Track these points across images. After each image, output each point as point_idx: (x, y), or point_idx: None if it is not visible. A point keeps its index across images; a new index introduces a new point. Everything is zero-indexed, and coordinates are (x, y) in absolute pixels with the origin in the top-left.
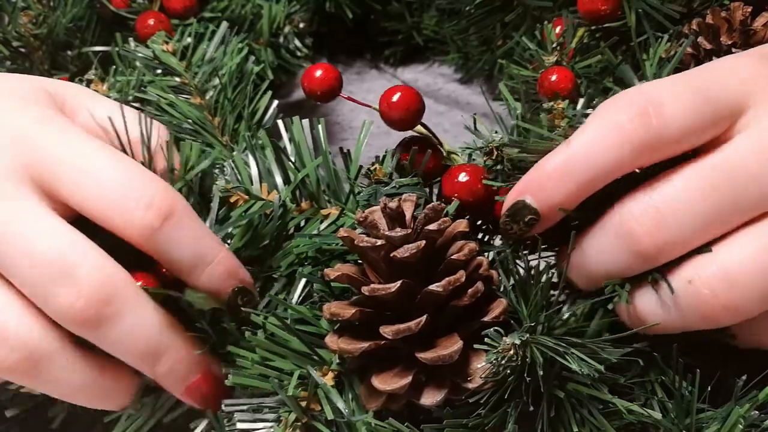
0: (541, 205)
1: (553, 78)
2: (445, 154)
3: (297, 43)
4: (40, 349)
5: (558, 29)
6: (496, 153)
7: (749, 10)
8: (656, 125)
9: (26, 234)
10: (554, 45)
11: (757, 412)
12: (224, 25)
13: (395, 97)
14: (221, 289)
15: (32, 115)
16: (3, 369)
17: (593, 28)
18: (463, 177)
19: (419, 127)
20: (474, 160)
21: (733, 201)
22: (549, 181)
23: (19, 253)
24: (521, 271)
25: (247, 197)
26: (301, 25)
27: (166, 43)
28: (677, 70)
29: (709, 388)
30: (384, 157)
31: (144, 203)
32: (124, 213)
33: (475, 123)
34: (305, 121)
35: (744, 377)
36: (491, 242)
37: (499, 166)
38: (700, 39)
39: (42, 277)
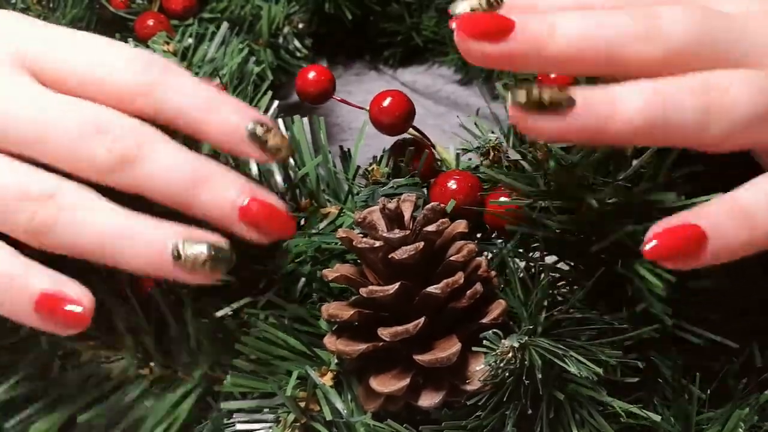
0: None
1: (552, 77)
2: (437, 156)
3: (296, 43)
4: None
5: None
6: (492, 153)
7: None
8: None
9: (49, 109)
10: None
11: (757, 417)
12: (224, 25)
13: (385, 102)
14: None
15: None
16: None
17: None
18: (452, 184)
19: (411, 131)
20: (470, 160)
21: None
22: None
23: (49, 129)
24: (521, 271)
25: None
26: (301, 26)
27: (167, 43)
28: None
29: (708, 391)
30: (381, 157)
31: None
32: (116, 74)
33: (476, 124)
34: (305, 120)
35: (744, 379)
36: (492, 242)
37: (495, 166)
38: None
39: (77, 141)
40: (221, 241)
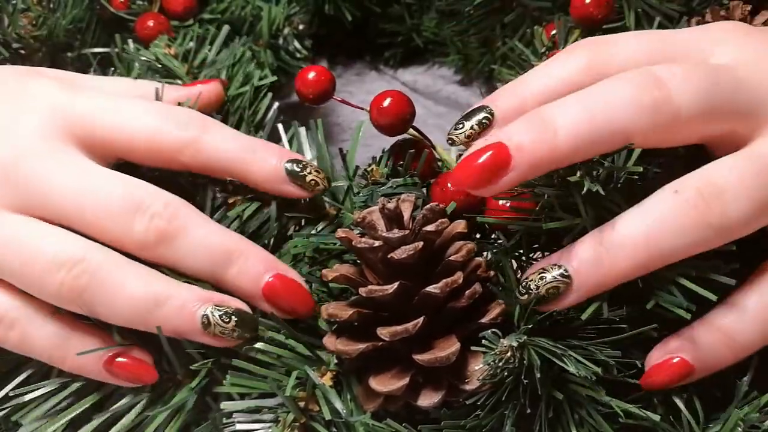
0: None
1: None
2: (437, 156)
3: (296, 44)
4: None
5: (553, 32)
6: None
7: (748, 8)
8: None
9: (92, 183)
10: (543, 49)
11: (757, 414)
12: (226, 28)
13: (385, 103)
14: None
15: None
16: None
17: (589, 30)
18: (452, 185)
19: (411, 131)
20: None
21: None
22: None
23: (88, 202)
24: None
25: (244, 198)
26: (301, 27)
27: (169, 47)
28: None
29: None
30: (381, 158)
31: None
32: (160, 134)
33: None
34: (302, 129)
35: (745, 378)
36: (491, 241)
37: None
38: None
39: (116, 217)
40: (246, 307)
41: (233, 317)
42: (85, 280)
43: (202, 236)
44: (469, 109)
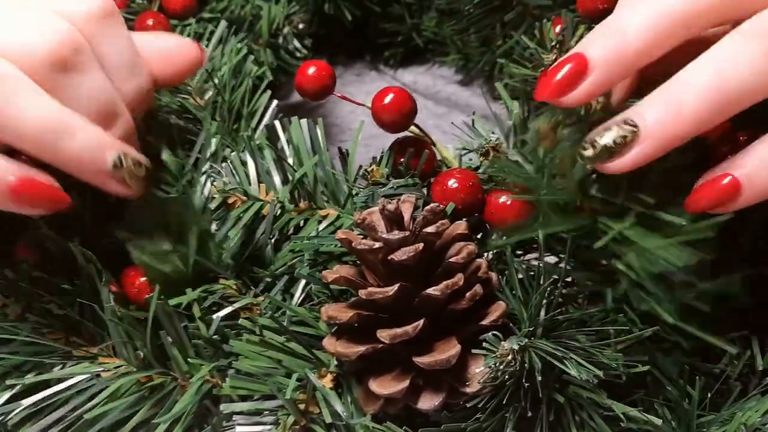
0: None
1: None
2: (438, 156)
3: (296, 43)
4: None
5: (558, 28)
6: (492, 153)
7: None
8: None
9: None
10: (553, 43)
11: (760, 417)
12: (223, 24)
13: (387, 99)
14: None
15: None
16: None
17: (593, 26)
18: (452, 183)
19: (413, 128)
20: (471, 160)
21: None
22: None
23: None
24: (520, 272)
25: (245, 198)
26: (301, 26)
27: None
28: None
29: (710, 394)
30: (381, 158)
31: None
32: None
33: (473, 122)
34: (303, 121)
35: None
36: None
37: (495, 166)
38: None
39: (20, 32)
40: (145, 159)
41: (143, 166)
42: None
43: (101, 84)
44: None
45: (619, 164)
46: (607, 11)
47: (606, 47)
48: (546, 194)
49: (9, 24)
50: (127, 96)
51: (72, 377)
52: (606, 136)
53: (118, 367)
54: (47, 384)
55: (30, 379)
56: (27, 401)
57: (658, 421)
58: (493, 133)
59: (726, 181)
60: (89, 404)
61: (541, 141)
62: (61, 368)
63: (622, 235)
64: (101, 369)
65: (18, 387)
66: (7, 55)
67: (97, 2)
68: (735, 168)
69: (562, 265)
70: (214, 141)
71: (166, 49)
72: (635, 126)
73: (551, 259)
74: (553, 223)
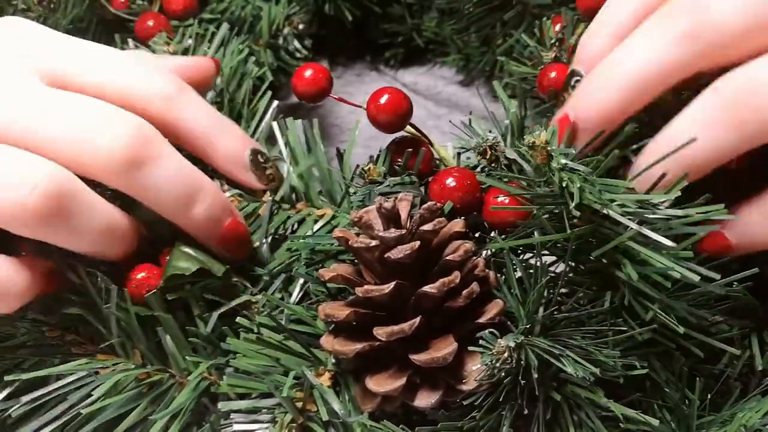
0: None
1: (552, 75)
2: (435, 155)
3: (296, 44)
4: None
5: (557, 26)
6: (489, 152)
7: None
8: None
9: (57, 100)
10: (553, 41)
11: (760, 418)
12: (224, 26)
13: (382, 100)
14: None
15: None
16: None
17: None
18: (450, 182)
19: (409, 128)
20: (469, 159)
21: None
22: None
23: (56, 115)
24: (518, 270)
25: (241, 198)
26: (301, 27)
27: (167, 44)
28: None
29: (709, 396)
30: (378, 156)
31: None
32: (138, 85)
33: (470, 121)
34: (299, 122)
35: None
36: (487, 241)
37: (493, 165)
38: None
39: (82, 133)
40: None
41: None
42: (56, 201)
43: (176, 166)
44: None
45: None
46: None
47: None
48: (540, 203)
49: (74, 131)
50: (224, 150)
51: (71, 374)
52: None
53: (117, 363)
54: (46, 381)
55: (28, 375)
56: (26, 398)
57: (655, 422)
58: (490, 132)
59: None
60: (87, 401)
61: (534, 155)
62: (60, 365)
63: (621, 244)
64: (100, 366)
65: (17, 384)
66: (78, 167)
67: (170, 81)
68: (726, 227)
69: (561, 266)
70: None
71: (184, 64)
72: None
73: (550, 258)
74: (548, 231)
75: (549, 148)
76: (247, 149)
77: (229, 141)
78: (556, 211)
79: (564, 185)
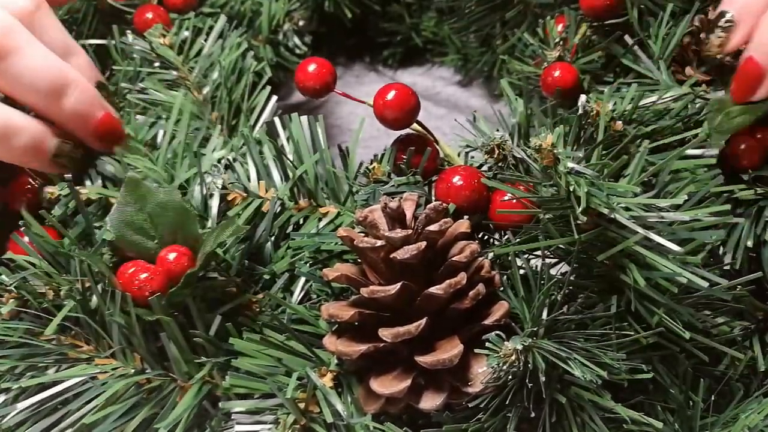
0: None
1: (557, 74)
2: (441, 154)
3: (296, 40)
4: None
5: (560, 26)
6: (497, 151)
7: None
8: None
9: None
10: (557, 41)
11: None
12: (222, 18)
13: (390, 95)
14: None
15: None
16: None
17: (595, 24)
18: (457, 180)
19: (415, 125)
20: (473, 158)
21: None
22: None
23: None
24: (524, 272)
25: (244, 195)
26: (301, 23)
27: (164, 36)
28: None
29: (713, 397)
30: (382, 155)
31: None
32: None
33: (474, 119)
34: (303, 118)
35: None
36: (492, 242)
37: (500, 164)
38: (702, 35)
39: None
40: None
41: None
42: None
43: (42, 56)
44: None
45: None
46: (611, 6)
47: None
48: (546, 207)
49: None
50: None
51: (68, 380)
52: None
53: (116, 368)
54: (42, 387)
55: (25, 382)
56: (22, 405)
57: (659, 425)
58: (497, 130)
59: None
60: (86, 408)
61: (541, 158)
62: (57, 370)
63: (627, 248)
64: (98, 371)
65: (14, 390)
66: None
67: None
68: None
69: (564, 267)
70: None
71: None
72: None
73: (554, 260)
74: (553, 234)
75: (555, 151)
76: (93, 79)
77: (80, 66)
78: (563, 213)
79: (571, 189)
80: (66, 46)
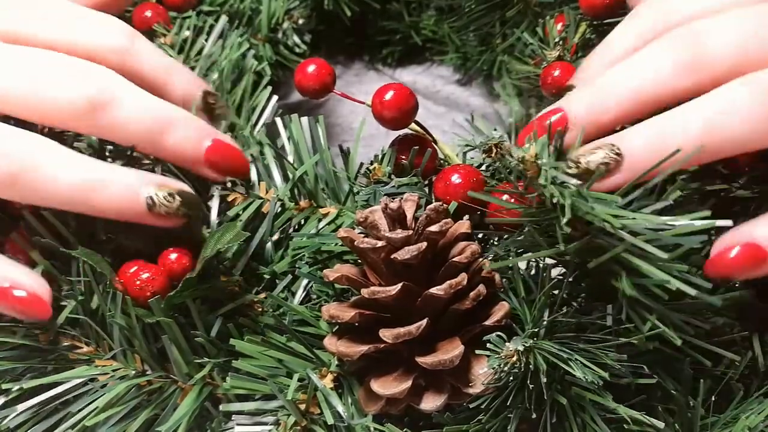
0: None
1: (556, 73)
2: (440, 153)
3: (296, 39)
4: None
5: (560, 25)
6: (495, 150)
7: None
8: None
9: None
10: (556, 40)
11: (764, 419)
12: (223, 18)
13: (388, 96)
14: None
15: None
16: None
17: (595, 23)
18: (456, 179)
19: (413, 125)
20: (472, 158)
21: None
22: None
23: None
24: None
25: (245, 195)
26: (300, 21)
27: (165, 35)
28: None
29: (713, 397)
30: (383, 155)
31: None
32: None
33: (472, 119)
34: (304, 119)
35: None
36: (492, 243)
37: (498, 164)
38: None
39: (40, 84)
40: (187, 187)
41: (177, 196)
42: (16, 169)
43: (140, 102)
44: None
45: (598, 187)
46: (611, 6)
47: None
48: (532, 221)
49: (30, 83)
50: (179, 88)
51: (68, 381)
52: (591, 158)
53: (116, 370)
54: (42, 388)
55: (25, 383)
56: (22, 406)
57: (661, 425)
58: (495, 130)
59: (750, 245)
60: (87, 410)
61: (525, 169)
62: (57, 372)
63: (616, 255)
64: (98, 373)
65: (14, 392)
66: (40, 117)
67: (121, 31)
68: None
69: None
70: None
71: None
72: (619, 155)
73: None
74: (541, 244)
75: (539, 162)
76: (199, 89)
77: (184, 82)
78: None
79: (555, 201)
80: (166, 68)
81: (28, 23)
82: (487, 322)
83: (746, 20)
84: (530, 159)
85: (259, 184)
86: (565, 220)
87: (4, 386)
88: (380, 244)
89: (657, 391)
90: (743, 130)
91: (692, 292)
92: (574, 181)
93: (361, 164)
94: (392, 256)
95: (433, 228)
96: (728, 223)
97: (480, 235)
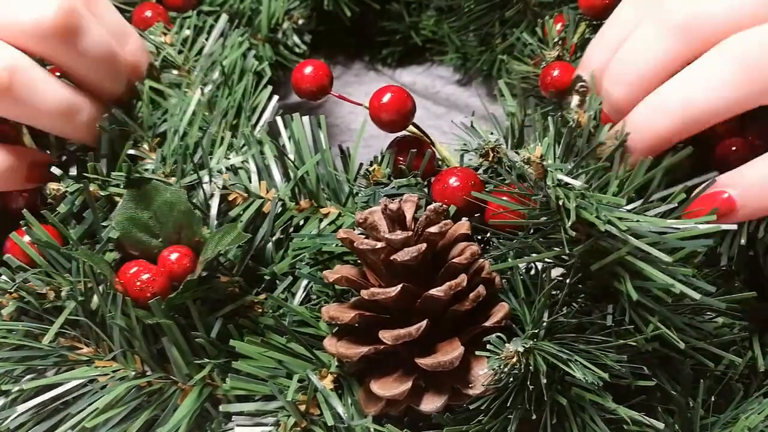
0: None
1: (555, 73)
2: (438, 155)
3: (296, 39)
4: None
5: (559, 25)
6: (492, 154)
7: None
8: None
9: None
10: (556, 40)
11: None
12: (224, 18)
13: (385, 98)
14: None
15: None
16: None
17: (594, 23)
18: (453, 182)
19: (411, 127)
20: (470, 160)
21: None
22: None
23: None
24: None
25: (245, 195)
26: (300, 22)
27: (165, 35)
28: None
29: (713, 398)
30: (382, 157)
31: None
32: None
33: (472, 124)
34: (305, 118)
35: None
36: (491, 244)
37: (495, 167)
38: None
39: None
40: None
41: None
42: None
43: (100, 35)
44: None
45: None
46: (609, 6)
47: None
48: (536, 223)
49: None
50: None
51: (68, 382)
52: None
53: (116, 370)
54: (42, 389)
55: (25, 384)
56: (21, 407)
57: (661, 425)
58: (492, 133)
59: (723, 197)
60: (86, 411)
61: (530, 170)
62: (56, 373)
63: (620, 257)
64: (98, 374)
65: (14, 393)
66: (10, 37)
67: None
68: (733, 186)
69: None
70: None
71: None
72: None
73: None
74: (544, 249)
75: (545, 163)
76: (145, 64)
77: (135, 46)
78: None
79: (560, 203)
80: (122, 29)
81: None
82: (487, 323)
83: None
84: (536, 160)
85: (259, 183)
86: (570, 223)
87: (4, 387)
88: (380, 245)
89: (657, 391)
90: (717, 102)
91: (696, 296)
92: (578, 182)
93: (361, 165)
94: (392, 258)
95: (433, 229)
96: (732, 227)
97: (479, 237)
